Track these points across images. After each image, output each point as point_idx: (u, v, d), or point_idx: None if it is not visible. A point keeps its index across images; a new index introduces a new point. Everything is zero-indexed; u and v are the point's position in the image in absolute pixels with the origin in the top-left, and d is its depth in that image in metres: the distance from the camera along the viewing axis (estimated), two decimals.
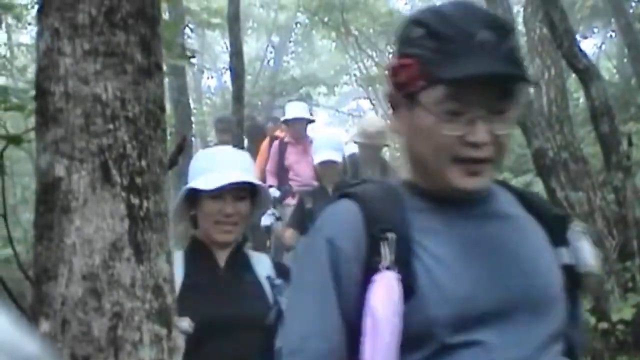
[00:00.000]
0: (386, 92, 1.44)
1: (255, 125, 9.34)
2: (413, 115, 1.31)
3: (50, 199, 1.40)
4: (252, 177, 2.45)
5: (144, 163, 1.45)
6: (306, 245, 1.43)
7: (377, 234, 1.29)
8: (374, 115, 5.98)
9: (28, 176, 9.28)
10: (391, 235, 1.28)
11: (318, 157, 5.24)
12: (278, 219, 5.61)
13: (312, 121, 6.88)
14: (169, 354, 1.42)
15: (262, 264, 2.46)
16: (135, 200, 1.42)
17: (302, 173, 6.34)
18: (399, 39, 1.39)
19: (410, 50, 1.32)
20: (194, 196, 2.39)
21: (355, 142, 5.99)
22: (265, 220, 5.54)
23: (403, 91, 1.33)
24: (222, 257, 2.42)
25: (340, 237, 1.32)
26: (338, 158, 5.16)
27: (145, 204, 1.43)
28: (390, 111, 1.41)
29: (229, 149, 2.87)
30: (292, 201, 5.93)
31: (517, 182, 7.68)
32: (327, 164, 5.15)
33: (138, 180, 1.43)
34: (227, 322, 2.26)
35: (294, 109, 6.74)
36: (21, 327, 0.59)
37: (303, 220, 4.94)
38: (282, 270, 2.41)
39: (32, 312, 1.41)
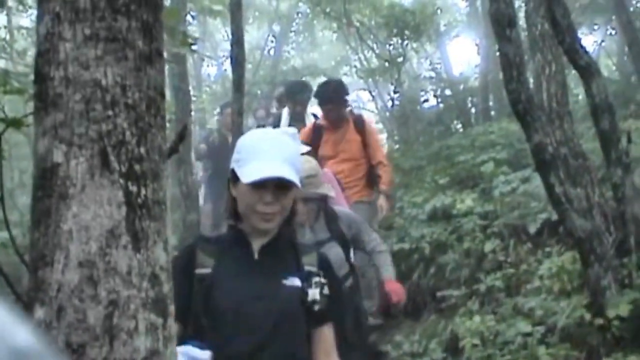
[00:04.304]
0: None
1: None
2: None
3: (48, 184, 1.39)
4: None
5: (143, 150, 1.43)
6: None
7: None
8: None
9: (26, 160, 9.26)
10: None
11: None
12: None
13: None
14: (164, 343, 1.41)
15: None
16: (133, 188, 1.41)
17: None
18: None
19: None
20: None
21: None
22: None
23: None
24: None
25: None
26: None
27: (143, 191, 1.42)
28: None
29: None
30: None
31: (515, 176, 7.67)
32: None
33: (137, 167, 1.42)
34: None
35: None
36: (15, 315, 0.57)
37: None
38: None
39: (28, 298, 1.40)
